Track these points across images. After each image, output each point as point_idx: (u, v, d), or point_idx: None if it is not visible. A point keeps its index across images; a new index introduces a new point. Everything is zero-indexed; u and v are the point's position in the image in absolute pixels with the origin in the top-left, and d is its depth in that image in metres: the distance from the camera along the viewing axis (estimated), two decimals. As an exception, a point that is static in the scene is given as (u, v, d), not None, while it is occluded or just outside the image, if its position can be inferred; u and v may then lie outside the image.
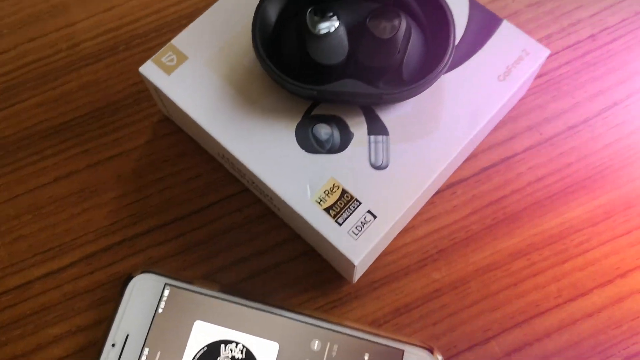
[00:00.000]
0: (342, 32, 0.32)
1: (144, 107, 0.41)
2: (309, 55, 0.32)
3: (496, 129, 0.40)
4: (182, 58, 0.35)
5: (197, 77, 0.35)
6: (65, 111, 0.41)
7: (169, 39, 0.42)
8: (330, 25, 0.32)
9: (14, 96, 0.41)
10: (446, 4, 0.33)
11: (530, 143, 0.39)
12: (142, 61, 0.42)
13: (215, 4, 0.37)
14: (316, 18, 0.32)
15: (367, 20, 0.32)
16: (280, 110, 0.34)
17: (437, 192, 0.38)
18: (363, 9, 0.34)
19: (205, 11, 0.37)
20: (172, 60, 0.35)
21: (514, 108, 0.40)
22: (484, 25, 0.35)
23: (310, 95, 0.32)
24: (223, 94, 0.34)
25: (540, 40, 0.41)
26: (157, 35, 0.42)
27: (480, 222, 0.37)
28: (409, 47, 0.32)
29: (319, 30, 0.32)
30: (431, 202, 0.38)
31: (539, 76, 0.41)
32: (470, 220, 0.38)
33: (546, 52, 0.35)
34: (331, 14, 0.32)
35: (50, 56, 0.42)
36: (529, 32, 0.42)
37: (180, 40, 0.36)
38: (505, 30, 0.35)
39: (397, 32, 0.31)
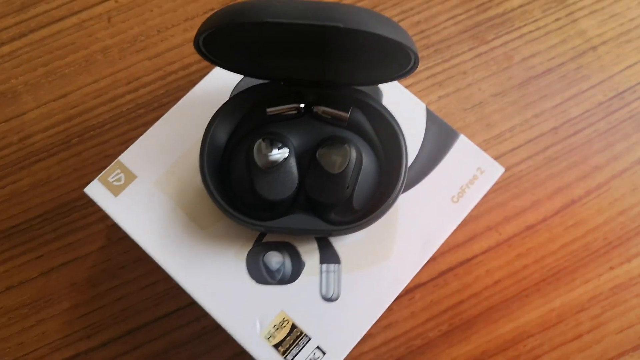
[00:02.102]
0: (292, 165, 0.31)
1: (98, 208, 0.39)
2: (256, 190, 0.31)
3: (457, 229, 0.39)
4: (130, 177, 0.34)
5: (146, 199, 0.33)
6: (16, 213, 0.39)
7: (125, 131, 0.40)
8: (279, 157, 0.31)
9: (-37, 198, 0.40)
10: (400, 130, 0.31)
11: (489, 244, 0.38)
12: (97, 155, 0.40)
13: (166, 115, 0.35)
14: (264, 149, 0.31)
15: (317, 151, 0.31)
16: (231, 237, 0.33)
17: (396, 298, 0.38)
18: (317, 133, 0.32)
19: (154, 123, 0.35)
20: (119, 179, 0.34)
21: (475, 207, 0.39)
22: (440, 140, 0.34)
23: (258, 230, 0.31)
24: (173, 218, 0.33)
25: (503, 134, 0.40)
26: (112, 127, 0.41)
27: (437, 328, 0.37)
28: (359, 177, 0.31)
29: (267, 164, 0.31)
30: (390, 309, 0.38)
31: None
32: (427, 327, 0.37)
33: (500, 170, 0.34)
34: (280, 144, 0.31)
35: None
36: (492, 125, 0.40)
37: (129, 157, 0.34)
38: (462, 146, 0.34)
39: (346, 167, 0.30)
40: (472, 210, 0.38)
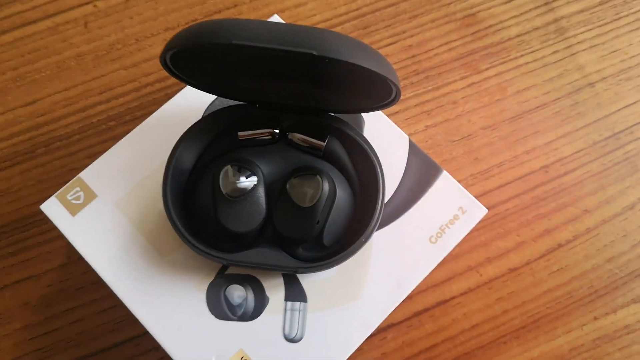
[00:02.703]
0: (260, 195, 0.29)
1: (59, 223, 0.37)
2: (219, 220, 0.29)
3: (436, 268, 0.37)
4: (90, 196, 0.32)
5: (105, 221, 0.32)
6: (-28, 224, 0.37)
7: (94, 144, 0.38)
8: (247, 186, 0.29)
9: None
10: (378, 164, 0.30)
11: (469, 285, 0.37)
12: (62, 167, 0.39)
13: (134, 131, 0.33)
14: (231, 177, 0.29)
15: (288, 182, 0.29)
16: (192, 267, 0.31)
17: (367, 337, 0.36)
18: (290, 161, 0.31)
19: (121, 139, 0.33)
20: (78, 198, 0.32)
21: (457, 245, 0.37)
22: (422, 175, 0.32)
23: (219, 262, 0.29)
24: (132, 243, 0.31)
25: (491, 169, 0.39)
26: (80, 139, 0.39)
27: (409, 373, 0.35)
28: (332, 212, 0.29)
29: (233, 193, 0.29)
30: (360, 348, 0.36)
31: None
32: (398, 371, 0.35)
33: (483, 211, 0.32)
34: (249, 172, 0.29)
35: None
36: (480, 160, 0.39)
37: (91, 174, 0.33)
38: (444, 183, 0.32)
39: (317, 201, 0.29)
40: (453, 249, 0.36)
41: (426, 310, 0.36)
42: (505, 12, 0.42)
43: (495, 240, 0.37)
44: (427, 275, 0.35)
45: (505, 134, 0.39)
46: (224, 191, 0.29)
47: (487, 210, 0.32)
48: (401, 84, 0.40)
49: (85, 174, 0.33)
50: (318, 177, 0.29)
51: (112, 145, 0.32)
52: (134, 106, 0.40)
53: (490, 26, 0.41)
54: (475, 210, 0.32)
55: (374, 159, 0.30)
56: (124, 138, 0.33)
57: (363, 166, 0.31)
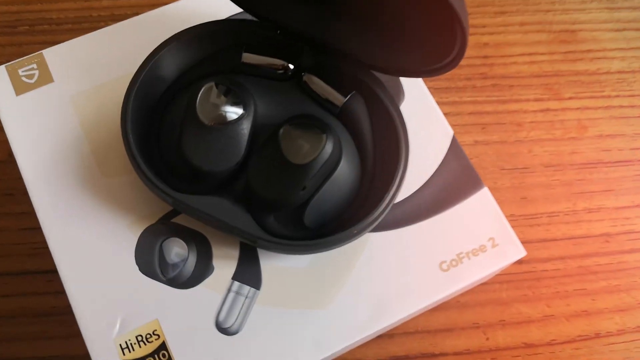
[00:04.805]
0: (243, 131, 0.23)
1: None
2: (182, 148, 0.23)
3: (434, 310, 0.30)
4: (45, 78, 0.27)
5: (51, 113, 0.26)
6: None
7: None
8: (230, 116, 0.23)
9: None
10: (405, 147, 0.23)
11: (469, 346, 0.29)
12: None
13: (119, 24, 0.28)
14: (214, 97, 0.23)
15: (281, 128, 0.23)
16: (132, 200, 0.25)
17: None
18: (295, 107, 0.24)
19: (106, 27, 0.28)
20: (32, 76, 0.27)
21: (468, 292, 0.30)
22: (455, 182, 0.26)
23: (165, 200, 0.23)
24: (73, 149, 0.25)
25: (539, 216, 0.32)
26: (71, 29, 0.34)
27: None
28: (325, 183, 0.23)
29: (210, 118, 0.23)
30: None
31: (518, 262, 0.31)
32: None
33: (520, 253, 0.25)
34: (238, 99, 0.23)
35: None
36: (530, 201, 0.32)
37: (54, 55, 0.27)
38: (481, 201, 0.26)
39: (312, 161, 0.22)
40: (462, 295, 0.29)
41: (407, 358, 0.29)
42: (612, 41, 0.35)
43: (518, 302, 0.30)
44: (421, 315, 0.28)
45: (568, 180, 0.32)
46: (199, 113, 0.23)
47: (525, 252, 0.25)
48: (461, 84, 0.34)
49: (49, 53, 0.27)
50: (323, 133, 0.22)
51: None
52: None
53: (590, 51, 0.35)
54: (510, 249, 0.25)
55: (402, 138, 0.24)
56: (107, 27, 0.28)
57: (384, 142, 0.24)
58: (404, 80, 0.27)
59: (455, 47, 0.21)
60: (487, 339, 0.30)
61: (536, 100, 0.34)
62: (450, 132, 0.27)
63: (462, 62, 0.34)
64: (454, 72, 0.34)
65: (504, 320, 0.31)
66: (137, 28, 0.28)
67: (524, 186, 0.33)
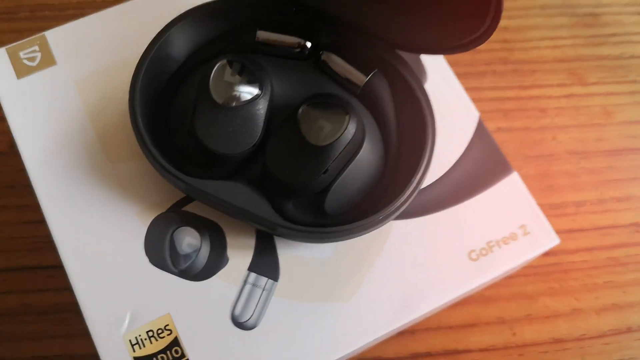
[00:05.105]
0: (260, 111, 0.22)
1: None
2: (194, 130, 0.21)
3: (456, 304, 0.28)
4: (48, 61, 0.25)
5: (54, 98, 0.25)
6: None
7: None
8: (245, 95, 0.21)
9: None
10: (432, 127, 0.22)
11: (494, 342, 0.28)
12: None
13: (128, 3, 0.26)
14: (228, 76, 0.21)
15: (300, 108, 0.21)
16: (141, 186, 0.23)
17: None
18: (313, 87, 0.23)
19: (112, 7, 0.26)
20: (33, 59, 0.25)
21: (492, 286, 0.29)
22: (483, 167, 0.24)
23: (177, 186, 0.21)
24: (78, 135, 0.24)
25: (565, 206, 0.30)
26: (74, 14, 0.32)
27: None
28: (348, 166, 0.21)
29: (224, 98, 0.21)
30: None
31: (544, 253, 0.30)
32: None
33: (554, 240, 0.24)
34: (254, 77, 0.21)
35: None
36: (555, 190, 0.30)
37: (57, 36, 0.26)
38: (510, 187, 0.24)
39: (335, 142, 0.20)
40: (487, 289, 0.28)
41: (429, 355, 0.27)
42: (636, 24, 0.34)
43: (544, 295, 0.29)
44: (444, 310, 0.27)
45: (595, 169, 0.31)
46: (212, 92, 0.21)
47: (558, 240, 0.23)
48: (481, 70, 0.32)
49: (52, 35, 0.26)
50: (346, 114, 0.21)
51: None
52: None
53: (614, 35, 0.33)
54: (543, 237, 0.24)
55: (429, 120, 0.22)
56: (113, 7, 0.26)
57: (409, 123, 0.23)
58: (425, 60, 0.26)
59: (488, 17, 0.19)
60: (514, 334, 0.29)
61: (560, 85, 0.33)
62: (475, 113, 0.26)
63: (481, 46, 0.33)
64: (473, 57, 0.33)
65: (530, 315, 0.29)
66: (145, 7, 0.26)
67: (549, 174, 0.31)
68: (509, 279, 0.29)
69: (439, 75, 0.26)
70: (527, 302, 0.29)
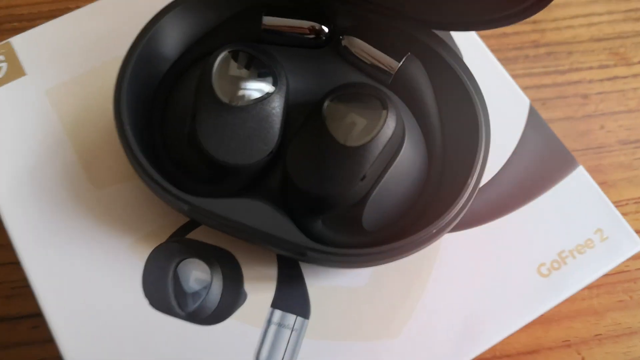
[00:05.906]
0: (275, 111, 0.17)
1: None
2: (197, 138, 0.17)
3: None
4: (16, 71, 0.21)
5: (25, 112, 0.21)
6: None
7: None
8: (256, 93, 0.17)
9: None
10: (484, 114, 0.18)
11: (562, 369, 0.23)
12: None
13: (95, 4, 0.22)
14: (234, 70, 0.17)
15: (325, 102, 0.17)
16: (134, 213, 0.19)
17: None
18: (335, 79, 0.19)
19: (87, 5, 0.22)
20: (-2, 69, 0.21)
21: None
22: (542, 162, 0.20)
23: (179, 208, 0.17)
24: (54, 155, 0.20)
25: (624, 203, 0.26)
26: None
27: None
28: (388, 170, 0.17)
29: (231, 96, 0.17)
30: None
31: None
32: None
33: (636, 245, 0.19)
34: (265, 70, 0.17)
35: None
36: (609, 186, 0.27)
37: (23, 43, 0.21)
38: (578, 184, 0.20)
39: (371, 141, 0.16)
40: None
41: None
42: (680, -6, 0.30)
43: (613, 310, 0.25)
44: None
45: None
46: (216, 89, 0.17)
47: (643, 244, 0.19)
48: (511, 55, 0.28)
49: (19, 41, 0.22)
50: (380, 104, 0.17)
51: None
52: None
53: (656, 7, 0.29)
54: (624, 242, 0.19)
55: (479, 108, 0.18)
56: (86, 6, 0.22)
57: (454, 114, 0.18)
58: (459, 41, 0.22)
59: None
60: (583, 358, 0.24)
61: (601, 67, 0.29)
62: (526, 100, 0.22)
63: (509, 28, 0.29)
64: (500, 41, 0.29)
65: (600, 335, 0.25)
66: (125, 1, 0.22)
67: (601, 169, 0.27)
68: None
69: (477, 57, 0.22)
70: (594, 319, 0.25)
